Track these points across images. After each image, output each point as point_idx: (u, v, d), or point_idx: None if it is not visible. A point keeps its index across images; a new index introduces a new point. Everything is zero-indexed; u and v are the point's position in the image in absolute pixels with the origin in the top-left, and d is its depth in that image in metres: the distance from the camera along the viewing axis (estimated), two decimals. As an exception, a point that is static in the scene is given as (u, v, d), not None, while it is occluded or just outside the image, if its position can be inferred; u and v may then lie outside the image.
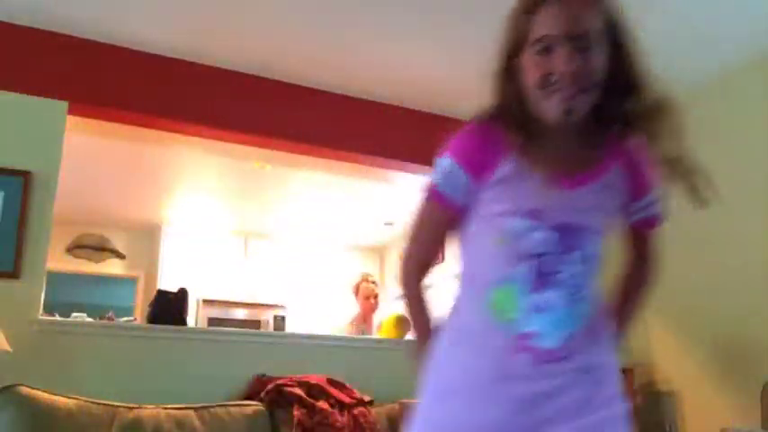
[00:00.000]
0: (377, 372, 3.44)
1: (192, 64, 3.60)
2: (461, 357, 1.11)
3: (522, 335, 1.06)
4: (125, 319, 4.34)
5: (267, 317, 6.44)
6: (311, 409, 2.98)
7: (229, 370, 3.23)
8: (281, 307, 6.52)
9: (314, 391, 3.08)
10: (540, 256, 1.06)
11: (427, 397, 1.14)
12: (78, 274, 6.67)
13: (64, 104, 3.26)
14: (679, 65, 3.65)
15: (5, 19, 3.22)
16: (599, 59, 1.05)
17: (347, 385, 3.24)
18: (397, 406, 3.19)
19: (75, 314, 3.91)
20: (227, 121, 3.65)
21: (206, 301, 6.28)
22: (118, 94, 3.42)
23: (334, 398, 3.09)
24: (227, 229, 6.70)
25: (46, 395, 2.60)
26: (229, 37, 3.42)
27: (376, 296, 4.49)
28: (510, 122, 1.09)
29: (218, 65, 3.65)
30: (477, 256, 1.14)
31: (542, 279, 1.06)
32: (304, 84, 3.83)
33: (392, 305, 4.85)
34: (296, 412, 2.97)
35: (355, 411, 3.09)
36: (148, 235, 6.75)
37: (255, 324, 6.30)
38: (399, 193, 5.17)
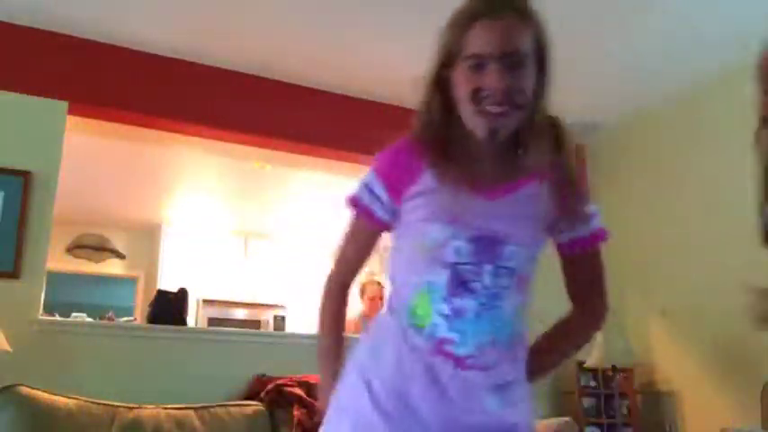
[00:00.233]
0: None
1: (191, 64, 3.60)
2: (386, 358, 1.11)
3: (439, 340, 1.07)
4: (125, 319, 4.35)
5: (267, 317, 6.44)
6: (311, 409, 2.98)
7: (229, 370, 3.23)
8: (281, 307, 6.52)
9: (314, 391, 3.08)
10: (456, 264, 1.07)
11: (351, 398, 1.12)
12: (78, 274, 6.67)
13: (64, 104, 3.26)
14: (679, 65, 3.65)
15: (5, 19, 3.22)
16: (529, 79, 1.06)
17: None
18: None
19: (75, 314, 3.91)
20: (227, 121, 3.65)
21: (206, 301, 6.27)
22: (118, 94, 3.42)
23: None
24: (227, 229, 6.70)
25: (46, 395, 2.60)
26: (229, 37, 3.42)
27: (381, 297, 4.49)
28: (432, 136, 1.11)
29: (218, 65, 3.65)
30: (401, 262, 1.16)
31: (457, 287, 1.07)
32: (304, 84, 3.83)
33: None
34: (296, 412, 2.97)
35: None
36: (148, 235, 6.75)
37: (255, 324, 6.29)
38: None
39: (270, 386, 3.08)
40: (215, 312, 6.27)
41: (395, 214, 1.15)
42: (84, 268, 6.59)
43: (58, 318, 3.68)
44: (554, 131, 1.13)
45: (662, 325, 3.97)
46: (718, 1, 3.07)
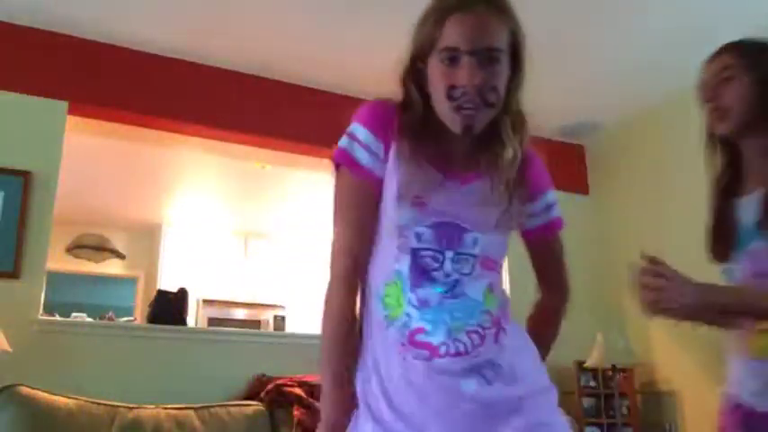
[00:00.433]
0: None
1: (191, 64, 3.60)
2: (371, 353, 1.09)
3: (412, 330, 1.05)
4: (125, 319, 4.35)
5: (267, 317, 6.44)
6: (311, 409, 2.98)
7: (229, 370, 3.23)
8: (281, 307, 6.52)
9: (314, 391, 3.08)
10: (419, 251, 1.07)
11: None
12: (78, 274, 6.67)
13: (64, 104, 3.26)
14: (679, 65, 3.65)
15: (5, 19, 3.22)
16: (502, 76, 1.06)
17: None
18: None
19: (75, 314, 3.92)
20: (227, 121, 3.65)
21: (206, 301, 6.27)
22: (118, 94, 3.42)
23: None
24: (227, 229, 6.70)
25: (46, 395, 2.60)
26: (229, 37, 3.42)
27: None
28: (409, 118, 1.10)
29: (218, 65, 3.65)
30: (377, 248, 1.13)
31: (419, 276, 1.06)
32: (304, 84, 3.83)
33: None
34: (296, 412, 2.97)
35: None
36: (148, 235, 6.75)
37: (255, 324, 6.29)
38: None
39: (270, 386, 3.08)
40: (215, 312, 6.27)
41: (382, 171, 1.11)
42: (84, 268, 6.59)
43: (58, 318, 3.68)
44: (519, 127, 1.13)
45: (662, 325, 3.97)
46: (717, 2, 3.07)
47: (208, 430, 2.80)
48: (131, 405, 2.75)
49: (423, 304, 1.06)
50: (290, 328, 6.12)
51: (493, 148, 1.11)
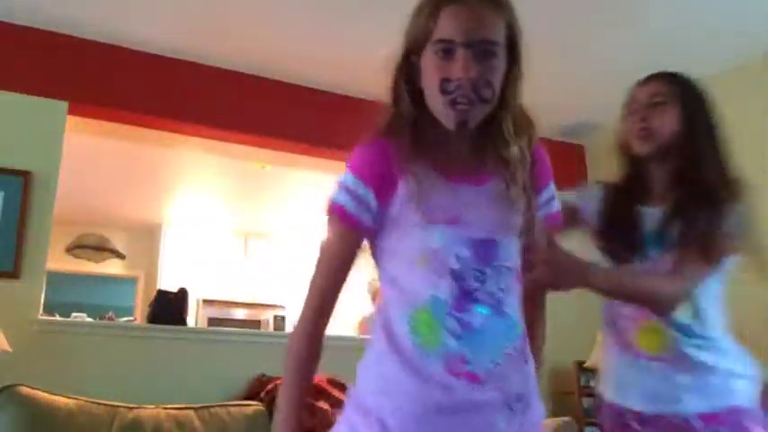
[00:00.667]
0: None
1: (191, 64, 3.60)
2: (395, 386, 1.02)
3: (450, 359, 0.99)
4: (125, 319, 4.36)
5: (267, 317, 6.44)
6: (311, 410, 2.98)
7: (229, 370, 3.23)
8: (281, 307, 6.52)
9: (314, 390, 3.08)
10: (457, 272, 1.02)
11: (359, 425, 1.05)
12: (78, 274, 6.68)
13: (64, 104, 3.26)
14: (679, 65, 3.65)
15: (5, 19, 3.22)
16: (498, 70, 1.02)
17: (348, 385, 3.23)
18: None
19: (75, 314, 3.92)
20: (227, 121, 3.65)
21: (206, 301, 6.28)
22: (118, 94, 3.42)
23: (335, 398, 3.09)
24: (227, 229, 6.70)
25: (46, 395, 2.60)
26: (229, 37, 3.42)
27: None
28: (401, 131, 1.06)
29: (218, 65, 3.65)
30: (398, 276, 1.07)
31: (462, 299, 1.01)
32: (304, 84, 3.83)
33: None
34: (296, 412, 2.97)
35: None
36: (148, 235, 6.75)
37: (255, 324, 6.30)
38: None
39: (270, 386, 3.08)
40: (215, 312, 6.28)
41: (379, 218, 1.06)
42: (84, 268, 6.59)
43: (58, 318, 3.68)
44: (522, 123, 1.09)
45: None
46: (717, 2, 3.07)
47: (208, 430, 2.80)
48: (131, 405, 2.75)
49: (465, 328, 1.00)
50: (290, 328, 6.10)
51: (497, 147, 1.07)
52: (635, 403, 1.47)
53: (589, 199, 1.62)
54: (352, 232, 1.08)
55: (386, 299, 1.09)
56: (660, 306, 1.41)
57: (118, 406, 2.72)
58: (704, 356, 1.47)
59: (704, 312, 1.50)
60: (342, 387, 3.22)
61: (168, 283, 4.72)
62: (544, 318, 1.24)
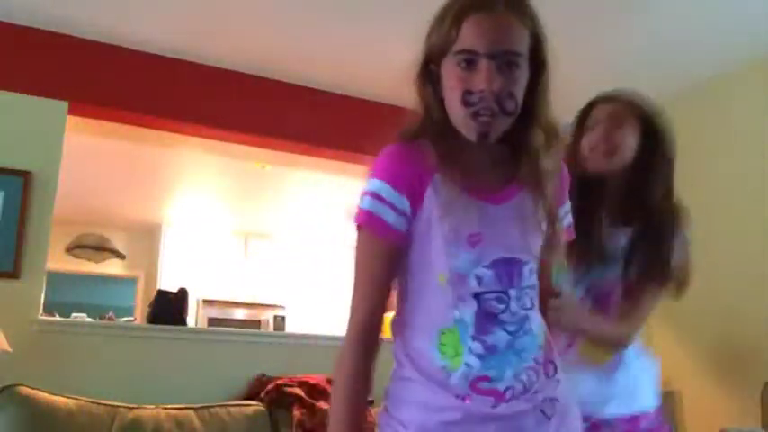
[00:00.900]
0: (377, 372, 3.44)
1: (191, 64, 3.60)
2: (424, 400, 1.02)
3: (473, 379, 0.99)
4: (125, 319, 4.36)
5: (267, 317, 6.44)
6: (311, 409, 2.98)
7: (229, 370, 3.23)
8: (281, 307, 6.52)
9: (314, 391, 3.09)
10: (480, 295, 1.01)
11: None
12: (78, 274, 6.67)
13: (64, 104, 3.26)
14: (679, 65, 3.65)
15: (5, 19, 3.22)
16: (521, 82, 1.00)
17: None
18: (397, 406, 3.19)
19: (75, 314, 3.92)
20: (227, 121, 3.65)
21: (206, 301, 6.28)
22: (118, 94, 3.42)
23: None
24: (227, 229, 6.70)
25: (46, 395, 2.60)
26: (229, 37, 3.42)
27: None
28: (433, 132, 1.04)
29: (218, 65, 3.65)
30: (421, 295, 1.05)
31: (485, 321, 1.00)
32: (304, 84, 3.83)
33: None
34: (296, 412, 2.97)
35: None
36: (148, 235, 6.75)
37: (255, 324, 6.30)
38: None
39: (270, 386, 3.08)
40: (215, 312, 6.28)
41: (412, 224, 1.02)
42: (84, 268, 6.60)
43: (57, 318, 3.68)
44: (551, 135, 1.07)
45: (662, 325, 3.97)
46: (717, 2, 3.07)
47: (208, 430, 2.80)
48: (131, 405, 2.75)
49: (489, 350, 1.00)
50: (290, 328, 6.12)
51: (527, 161, 1.05)
52: None
53: None
54: (390, 244, 1.03)
55: (405, 321, 1.07)
56: (624, 346, 1.53)
57: (118, 406, 2.72)
58: (629, 363, 1.55)
59: None
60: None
61: (168, 283, 4.72)
62: None
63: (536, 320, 1.06)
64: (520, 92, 1.00)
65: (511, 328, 1.01)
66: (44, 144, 3.18)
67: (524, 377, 1.02)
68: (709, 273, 3.62)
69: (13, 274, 2.94)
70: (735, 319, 3.47)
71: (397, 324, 1.09)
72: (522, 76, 1.00)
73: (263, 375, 3.20)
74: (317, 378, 3.18)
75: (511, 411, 1.00)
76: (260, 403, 3.01)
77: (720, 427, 3.11)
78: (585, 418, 1.42)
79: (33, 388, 2.60)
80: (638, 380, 1.54)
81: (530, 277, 1.05)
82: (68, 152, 3.27)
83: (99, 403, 2.70)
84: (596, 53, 3.49)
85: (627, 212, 1.56)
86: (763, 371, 3.21)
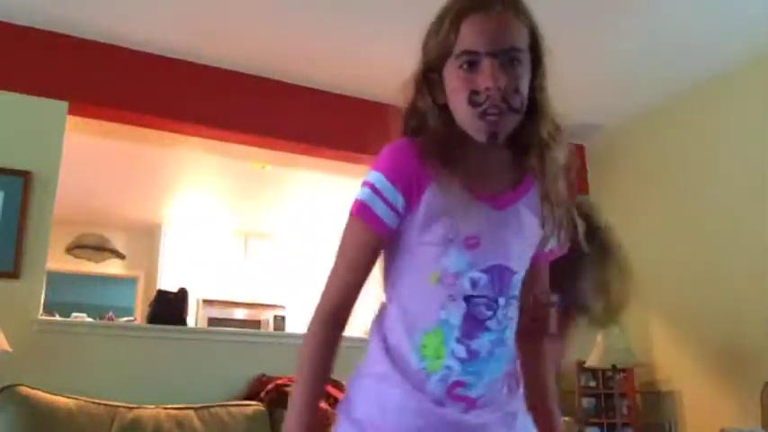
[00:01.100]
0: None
1: (191, 64, 3.60)
2: (392, 402, 1.02)
3: (451, 384, 1.00)
4: (125, 319, 4.35)
5: (267, 317, 6.44)
6: (311, 409, 2.98)
7: (229, 370, 3.23)
8: (281, 307, 6.52)
9: (314, 391, 3.08)
10: (471, 298, 1.00)
11: None
12: (78, 274, 6.67)
13: (64, 104, 3.26)
14: (679, 66, 3.65)
15: (5, 19, 3.22)
16: (524, 78, 1.00)
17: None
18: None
19: (75, 314, 3.92)
20: (227, 121, 3.65)
21: (206, 301, 6.27)
22: (118, 94, 3.42)
23: (334, 398, 3.09)
24: (227, 229, 6.70)
25: (46, 395, 2.60)
26: (229, 37, 3.42)
27: None
28: (435, 139, 1.02)
29: (218, 65, 3.65)
30: (408, 294, 1.04)
31: (472, 325, 1.00)
32: (304, 84, 3.83)
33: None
34: (296, 412, 2.97)
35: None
36: (148, 235, 6.75)
37: (255, 324, 6.29)
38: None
39: (270, 386, 3.08)
40: (215, 312, 6.27)
41: (403, 222, 1.02)
42: (84, 268, 6.58)
43: (57, 318, 3.68)
44: (555, 130, 1.07)
45: (662, 325, 3.97)
46: (717, 2, 3.07)
47: (208, 430, 2.80)
48: (131, 405, 2.75)
49: (471, 356, 1.00)
50: (290, 328, 6.11)
51: (536, 153, 1.04)
52: None
53: None
54: (377, 237, 1.03)
55: (391, 317, 1.06)
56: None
57: (118, 406, 2.72)
58: None
59: None
60: (341, 386, 3.22)
61: (168, 283, 4.72)
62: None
63: (512, 332, 1.06)
64: (524, 88, 1.00)
65: (493, 337, 1.01)
66: (44, 144, 3.18)
67: (496, 387, 1.03)
68: (710, 273, 3.63)
69: (13, 274, 2.94)
70: (735, 319, 3.47)
71: (379, 321, 1.08)
72: (525, 72, 1.00)
73: (263, 375, 3.20)
74: (316, 378, 3.18)
75: (479, 420, 1.01)
76: (260, 403, 3.01)
77: (720, 427, 3.11)
78: None
79: (33, 388, 2.60)
80: None
81: (516, 288, 1.05)
82: (68, 152, 3.27)
83: (99, 403, 2.70)
84: (596, 54, 3.49)
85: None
86: (764, 371, 3.21)
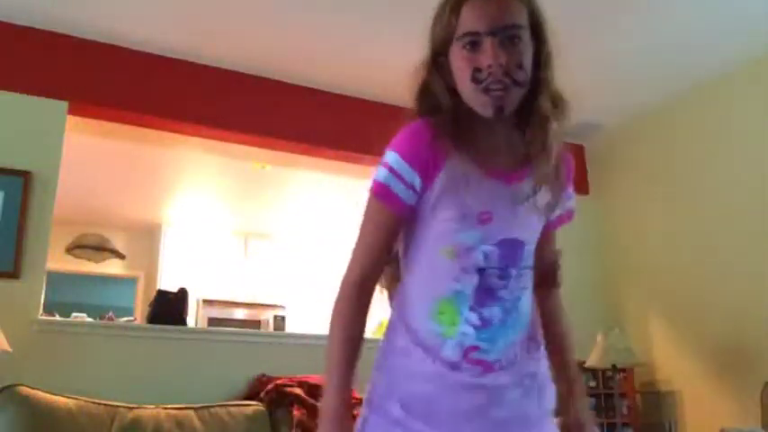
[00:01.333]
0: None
1: (191, 64, 3.60)
2: (412, 368, 1.09)
3: (466, 348, 1.06)
4: (125, 319, 4.34)
5: (267, 317, 6.43)
6: (311, 410, 2.98)
7: (229, 370, 3.23)
8: (281, 307, 6.51)
9: (314, 391, 3.08)
10: (484, 270, 1.06)
11: (379, 407, 1.11)
12: (78, 274, 6.66)
13: (64, 104, 3.26)
14: (678, 66, 3.65)
15: (5, 19, 3.22)
16: (527, 54, 1.05)
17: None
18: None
19: (75, 314, 3.91)
20: (227, 121, 3.65)
21: (206, 301, 6.27)
22: (118, 94, 3.42)
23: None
24: (227, 229, 6.69)
25: (46, 395, 2.60)
26: (229, 37, 3.42)
27: None
28: (448, 119, 1.08)
29: (218, 65, 3.65)
30: (425, 267, 1.11)
31: (484, 295, 1.06)
32: (304, 84, 3.83)
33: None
34: (296, 412, 2.97)
35: (355, 411, 3.08)
36: (148, 235, 6.74)
37: (255, 324, 6.29)
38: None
39: (270, 386, 3.08)
40: (215, 312, 6.27)
41: (420, 200, 1.08)
42: (84, 268, 6.58)
43: (58, 318, 3.68)
44: (558, 104, 1.11)
45: (662, 325, 3.97)
46: (717, 2, 3.07)
47: (208, 430, 2.80)
48: (131, 405, 2.75)
49: (485, 324, 1.06)
50: (290, 328, 6.11)
51: (537, 125, 1.08)
52: None
53: None
54: (395, 215, 1.08)
55: (407, 290, 1.13)
56: None
57: (118, 406, 2.72)
58: None
59: None
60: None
61: (168, 283, 4.72)
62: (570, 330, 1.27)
63: (526, 300, 1.12)
64: (528, 62, 1.04)
65: (506, 306, 1.07)
66: (44, 144, 3.18)
67: (511, 352, 1.09)
68: (710, 273, 3.63)
69: (13, 274, 2.94)
70: (735, 319, 3.47)
71: (399, 293, 1.15)
72: (527, 48, 1.05)
73: (263, 375, 3.20)
74: (316, 378, 3.18)
75: (496, 383, 1.07)
76: (260, 403, 3.01)
77: (720, 427, 3.11)
78: None
79: (33, 388, 2.60)
80: None
81: (528, 258, 1.10)
82: (68, 152, 3.27)
83: (99, 403, 2.70)
84: (596, 54, 3.49)
85: None
86: (764, 371, 3.21)
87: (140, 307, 6.57)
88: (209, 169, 5.17)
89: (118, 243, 6.58)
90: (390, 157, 1.07)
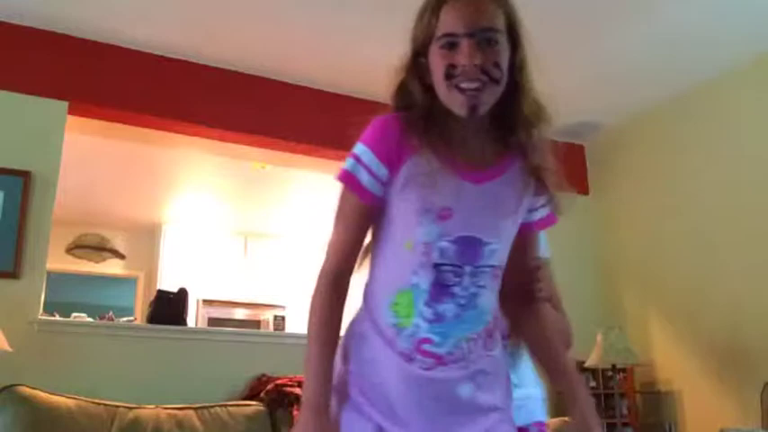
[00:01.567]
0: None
1: (191, 64, 3.60)
2: (373, 356, 1.12)
3: (419, 340, 1.08)
4: (125, 319, 4.35)
5: (267, 317, 6.44)
6: (311, 409, 2.98)
7: (229, 370, 3.23)
8: (281, 307, 6.52)
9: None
10: (440, 266, 1.08)
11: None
12: (78, 274, 6.67)
13: (64, 104, 3.26)
14: (678, 66, 3.65)
15: (5, 19, 3.22)
16: (503, 55, 1.07)
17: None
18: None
19: (75, 314, 3.91)
20: (227, 121, 3.65)
21: (206, 301, 6.27)
22: (118, 94, 3.42)
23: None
24: (227, 229, 6.70)
25: (46, 395, 2.60)
26: (229, 37, 3.42)
27: None
28: (418, 115, 1.10)
29: (218, 65, 3.65)
30: (388, 258, 1.14)
31: (439, 291, 1.08)
32: (304, 84, 3.83)
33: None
34: (296, 412, 2.97)
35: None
36: (148, 235, 6.74)
37: (255, 324, 6.29)
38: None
39: (270, 386, 3.08)
40: (215, 312, 6.27)
41: (387, 191, 1.10)
42: (84, 268, 6.59)
43: (58, 318, 3.68)
44: (535, 112, 1.12)
45: (662, 325, 3.97)
46: (717, 3, 3.07)
47: (208, 430, 2.80)
48: (131, 405, 2.75)
49: (438, 318, 1.08)
50: (290, 328, 6.11)
51: (514, 127, 1.10)
52: None
53: None
54: (363, 204, 1.11)
55: (373, 280, 1.16)
56: None
57: (118, 406, 2.72)
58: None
59: None
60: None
61: (168, 283, 4.72)
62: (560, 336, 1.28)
63: (486, 298, 1.12)
64: (504, 63, 1.06)
65: (461, 302, 1.09)
66: (44, 144, 3.18)
67: (464, 346, 1.10)
68: (709, 273, 3.63)
69: (13, 274, 2.94)
70: (735, 319, 3.47)
71: (367, 284, 1.18)
72: (503, 50, 1.07)
73: (263, 375, 3.20)
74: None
75: (446, 376, 1.09)
76: (260, 403, 3.01)
77: (720, 427, 3.11)
78: None
79: (33, 388, 2.60)
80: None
81: (489, 257, 1.10)
82: (68, 152, 3.27)
83: (99, 403, 2.70)
84: (596, 53, 3.49)
85: None
86: (764, 371, 3.21)
87: (140, 307, 6.57)
88: (209, 169, 5.16)
89: (118, 243, 6.59)
90: (358, 147, 1.11)
